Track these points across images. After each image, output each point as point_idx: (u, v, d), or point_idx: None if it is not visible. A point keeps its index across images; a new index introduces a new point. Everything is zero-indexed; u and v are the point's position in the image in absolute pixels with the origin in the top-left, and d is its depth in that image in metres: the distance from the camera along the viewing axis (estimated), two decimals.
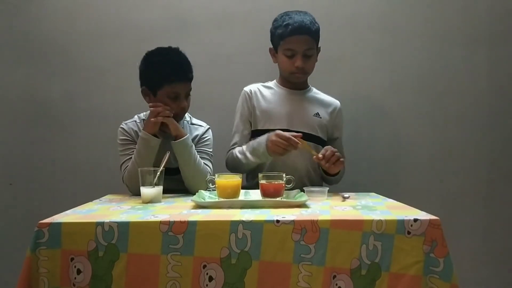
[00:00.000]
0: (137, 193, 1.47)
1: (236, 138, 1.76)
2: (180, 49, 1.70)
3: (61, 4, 2.07)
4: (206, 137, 1.78)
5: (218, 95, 2.01)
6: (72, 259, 1.05)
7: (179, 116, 1.67)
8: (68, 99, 2.07)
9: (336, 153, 1.52)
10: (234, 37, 2.04)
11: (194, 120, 1.83)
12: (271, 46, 1.74)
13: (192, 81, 1.72)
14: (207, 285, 1.05)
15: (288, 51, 1.65)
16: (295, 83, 1.74)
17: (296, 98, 1.75)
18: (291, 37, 1.62)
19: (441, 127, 2.05)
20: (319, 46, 1.71)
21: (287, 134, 1.50)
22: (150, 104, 1.59)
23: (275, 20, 1.69)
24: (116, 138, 1.73)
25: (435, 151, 2.05)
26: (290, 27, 1.62)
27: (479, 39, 2.03)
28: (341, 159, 1.53)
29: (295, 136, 1.49)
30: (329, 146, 1.56)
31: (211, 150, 1.79)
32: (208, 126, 1.82)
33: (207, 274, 1.05)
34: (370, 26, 2.04)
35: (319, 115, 1.74)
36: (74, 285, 1.05)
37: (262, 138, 1.57)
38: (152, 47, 1.86)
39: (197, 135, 1.76)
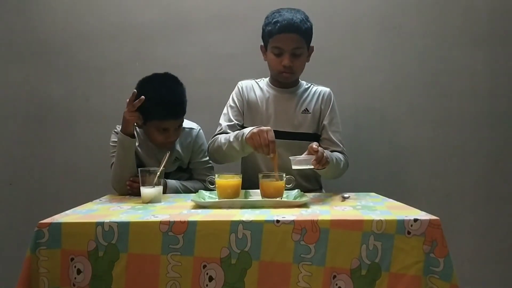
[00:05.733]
0: (123, 194, 1.55)
1: (223, 126, 1.68)
2: (177, 80, 1.64)
3: (61, 4, 2.07)
4: (199, 143, 1.76)
5: (217, 95, 2.00)
6: (72, 259, 1.05)
7: (166, 147, 1.64)
8: (68, 99, 2.07)
9: (325, 156, 1.39)
10: (234, 37, 2.04)
11: (184, 123, 1.74)
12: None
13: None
14: (207, 285, 1.05)
15: (276, 49, 1.62)
16: (284, 82, 1.71)
17: (284, 97, 1.72)
18: (279, 35, 1.59)
19: (441, 127, 2.04)
20: (311, 45, 1.67)
21: (270, 137, 1.40)
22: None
23: (266, 17, 1.65)
24: None
25: (435, 151, 2.05)
26: (278, 24, 1.58)
27: (479, 39, 2.02)
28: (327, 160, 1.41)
29: (274, 150, 1.39)
30: (319, 148, 1.39)
31: (207, 156, 1.76)
32: (199, 128, 1.80)
33: (207, 274, 1.05)
34: (370, 26, 2.04)
35: (307, 110, 1.70)
36: (74, 285, 1.05)
37: (254, 127, 1.48)
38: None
39: (190, 141, 1.75)
